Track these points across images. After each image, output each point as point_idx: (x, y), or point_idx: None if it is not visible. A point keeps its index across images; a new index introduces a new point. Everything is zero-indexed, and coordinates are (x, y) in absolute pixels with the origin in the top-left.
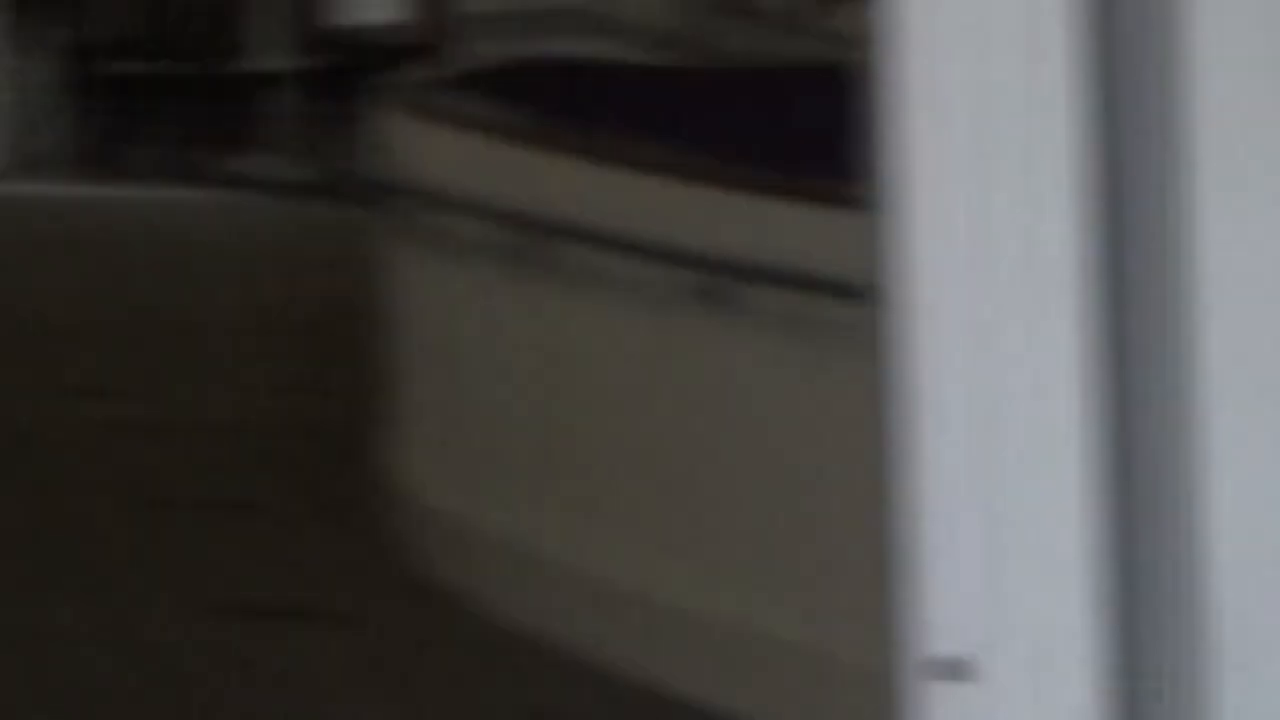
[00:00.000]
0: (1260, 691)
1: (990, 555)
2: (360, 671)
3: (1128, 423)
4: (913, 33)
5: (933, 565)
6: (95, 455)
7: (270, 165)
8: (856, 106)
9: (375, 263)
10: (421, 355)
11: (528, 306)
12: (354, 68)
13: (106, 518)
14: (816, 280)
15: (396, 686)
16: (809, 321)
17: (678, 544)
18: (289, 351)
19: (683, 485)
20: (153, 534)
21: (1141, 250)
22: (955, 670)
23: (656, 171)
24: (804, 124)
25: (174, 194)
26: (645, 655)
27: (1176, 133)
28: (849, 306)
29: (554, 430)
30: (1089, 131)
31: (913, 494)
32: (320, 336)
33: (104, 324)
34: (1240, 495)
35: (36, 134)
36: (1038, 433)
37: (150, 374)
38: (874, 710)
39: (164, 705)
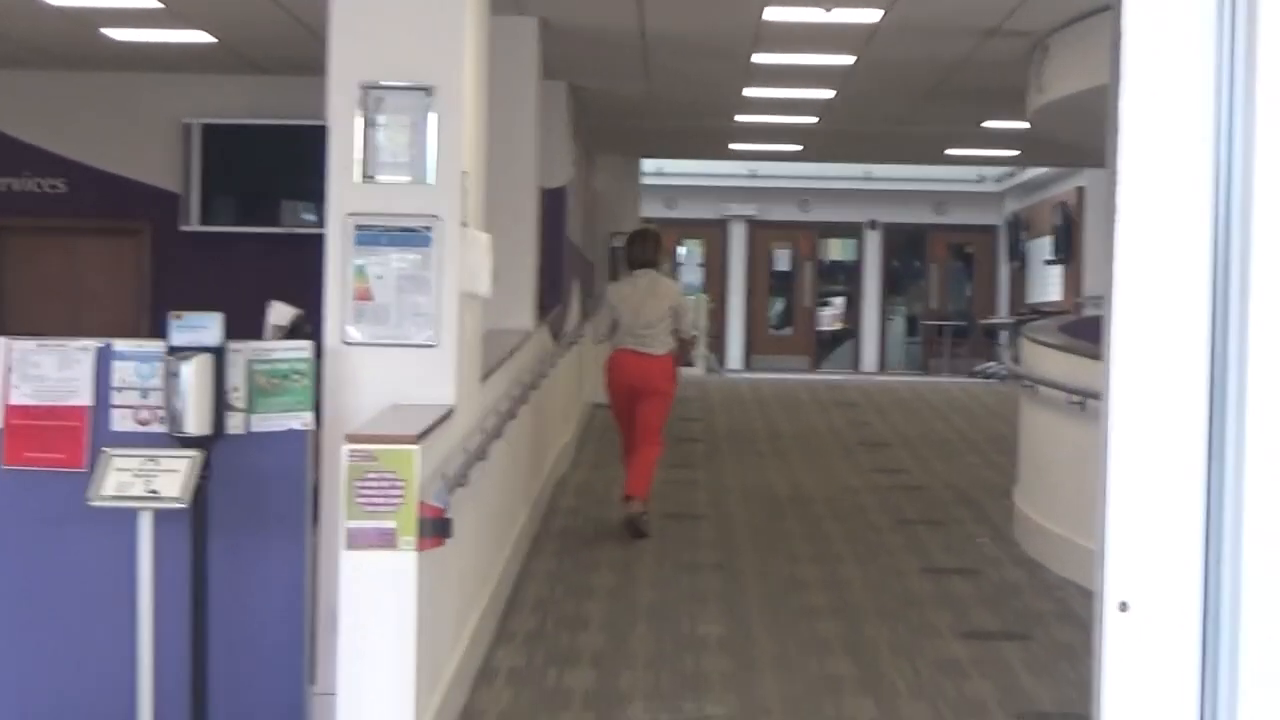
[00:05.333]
0: None
1: (1143, 541)
2: (982, 600)
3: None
4: None
5: (1115, 545)
6: (884, 500)
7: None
8: None
9: (1015, 413)
10: (1030, 456)
11: (1084, 433)
12: (1032, 319)
13: (886, 528)
14: None
15: (999, 608)
16: None
17: None
18: (974, 451)
19: None
20: (903, 535)
21: None
22: (1123, 606)
23: None
24: None
25: (950, 379)
26: None
27: None
28: None
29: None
30: None
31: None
32: (989, 446)
33: (906, 438)
34: None
35: (894, 350)
36: (1175, 471)
37: (918, 462)
38: None
39: (898, 622)
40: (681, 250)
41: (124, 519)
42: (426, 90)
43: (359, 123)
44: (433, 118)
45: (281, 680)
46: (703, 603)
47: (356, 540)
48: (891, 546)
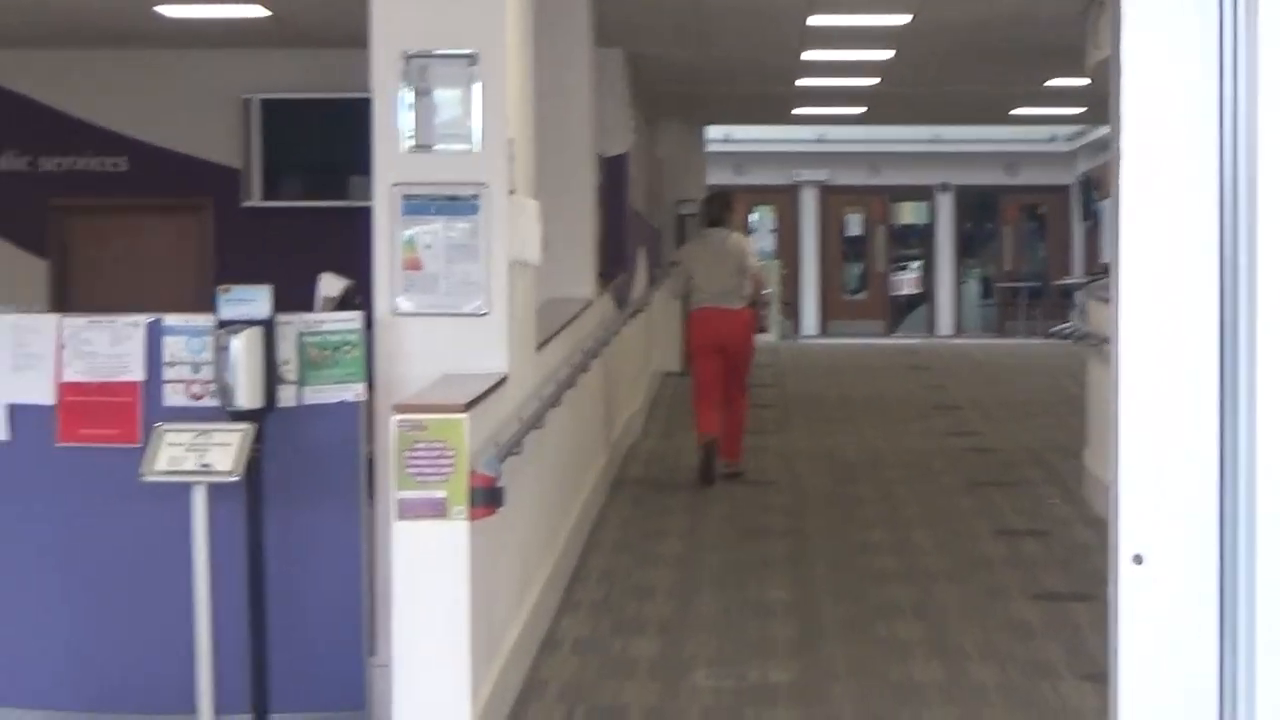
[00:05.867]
0: None
1: (1157, 494)
2: (1053, 561)
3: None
4: None
5: (1129, 499)
6: (956, 463)
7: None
8: None
9: (1081, 372)
10: (1099, 416)
11: None
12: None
13: (957, 491)
14: None
15: (1069, 569)
16: None
17: None
18: (1048, 412)
19: None
20: (974, 498)
21: None
22: (1138, 559)
23: None
24: None
25: (1026, 341)
26: None
27: None
28: None
29: None
30: None
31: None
32: (1063, 407)
33: (979, 401)
34: None
35: (969, 313)
36: (1187, 425)
37: (990, 424)
38: None
39: (968, 584)
40: (753, 217)
41: (178, 493)
42: (470, 58)
43: (403, 92)
44: (477, 85)
45: (340, 652)
46: (770, 568)
47: (407, 510)
48: (962, 509)
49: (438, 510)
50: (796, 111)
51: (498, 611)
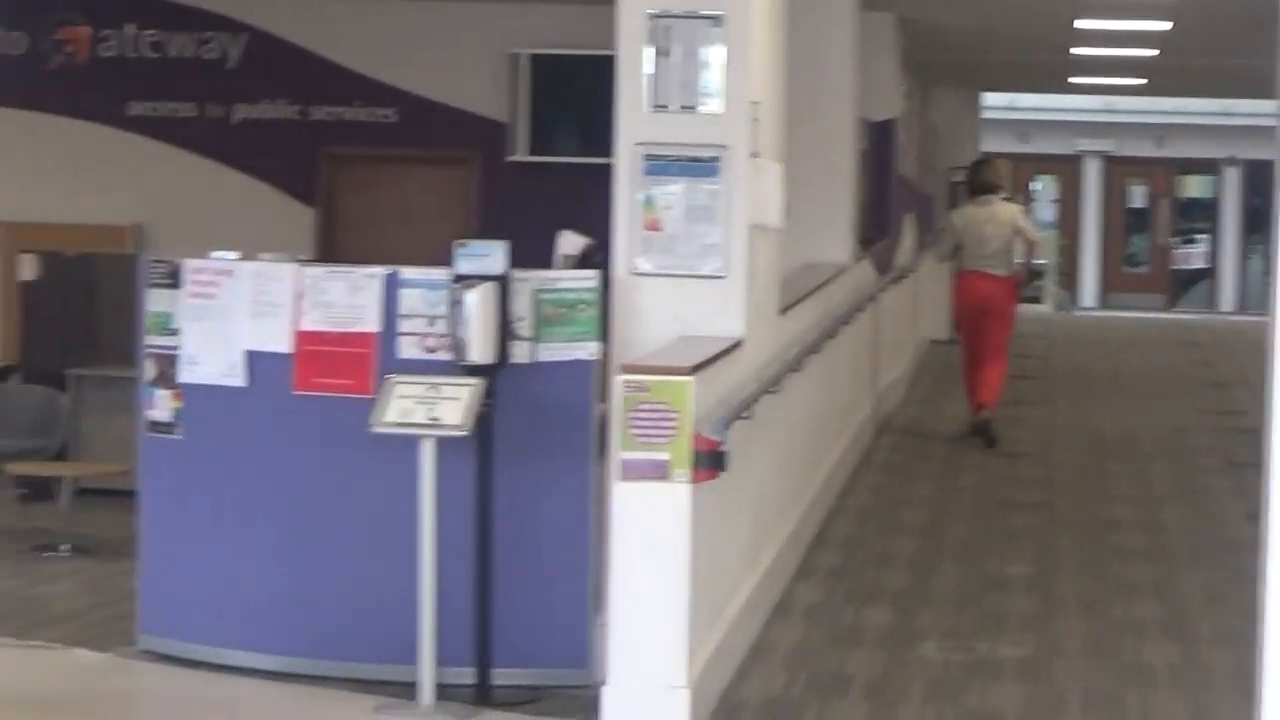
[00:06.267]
0: None
1: None
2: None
3: None
4: None
5: None
6: (1217, 443)
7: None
8: None
9: None
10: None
11: None
12: None
13: (1214, 470)
14: None
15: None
16: None
17: None
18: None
19: None
20: (1231, 478)
21: None
22: None
23: None
24: None
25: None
26: None
27: None
28: None
29: None
30: None
31: None
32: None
33: (1249, 380)
34: None
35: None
36: None
37: (1259, 404)
38: None
39: (1213, 567)
40: (1035, 186)
41: (410, 445)
42: (715, 19)
43: (648, 52)
44: (721, 47)
45: (565, 610)
46: (1014, 541)
47: (629, 471)
48: (1217, 489)
49: (660, 472)
50: (1074, 80)
51: (723, 575)
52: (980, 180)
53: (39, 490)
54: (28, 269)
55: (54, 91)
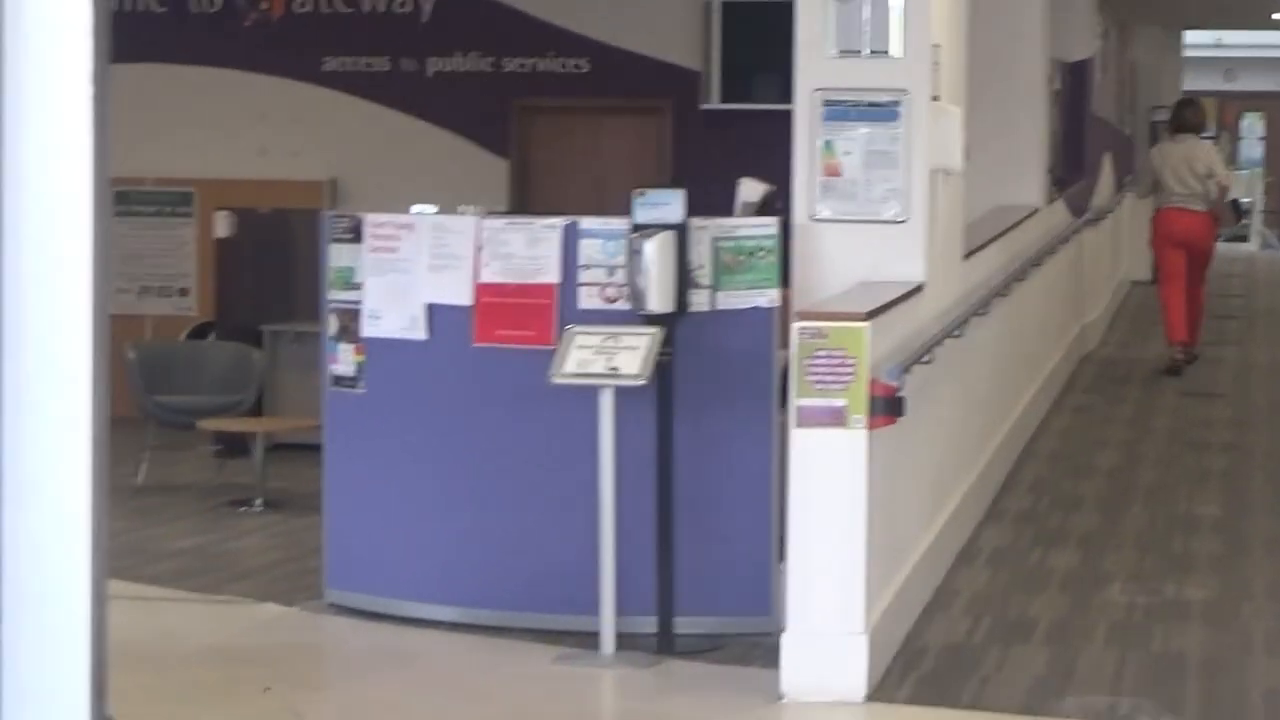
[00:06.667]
0: None
1: None
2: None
3: None
4: None
5: None
6: None
7: None
8: None
9: None
10: None
11: None
12: None
13: None
14: None
15: None
16: None
17: None
18: None
19: None
20: None
21: None
22: None
23: None
24: None
25: None
26: None
27: None
28: None
29: None
30: None
31: None
32: None
33: None
34: None
35: None
36: None
37: None
38: None
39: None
40: (1243, 124)
41: (591, 395)
42: None
43: None
44: None
45: (748, 558)
46: (1205, 482)
47: (806, 418)
48: None
49: (836, 418)
50: (1277, 16)
51: (903, 521)
52: (1182, 119)
53: (234, 446)
54: (222, 226)
55: (249, 48)
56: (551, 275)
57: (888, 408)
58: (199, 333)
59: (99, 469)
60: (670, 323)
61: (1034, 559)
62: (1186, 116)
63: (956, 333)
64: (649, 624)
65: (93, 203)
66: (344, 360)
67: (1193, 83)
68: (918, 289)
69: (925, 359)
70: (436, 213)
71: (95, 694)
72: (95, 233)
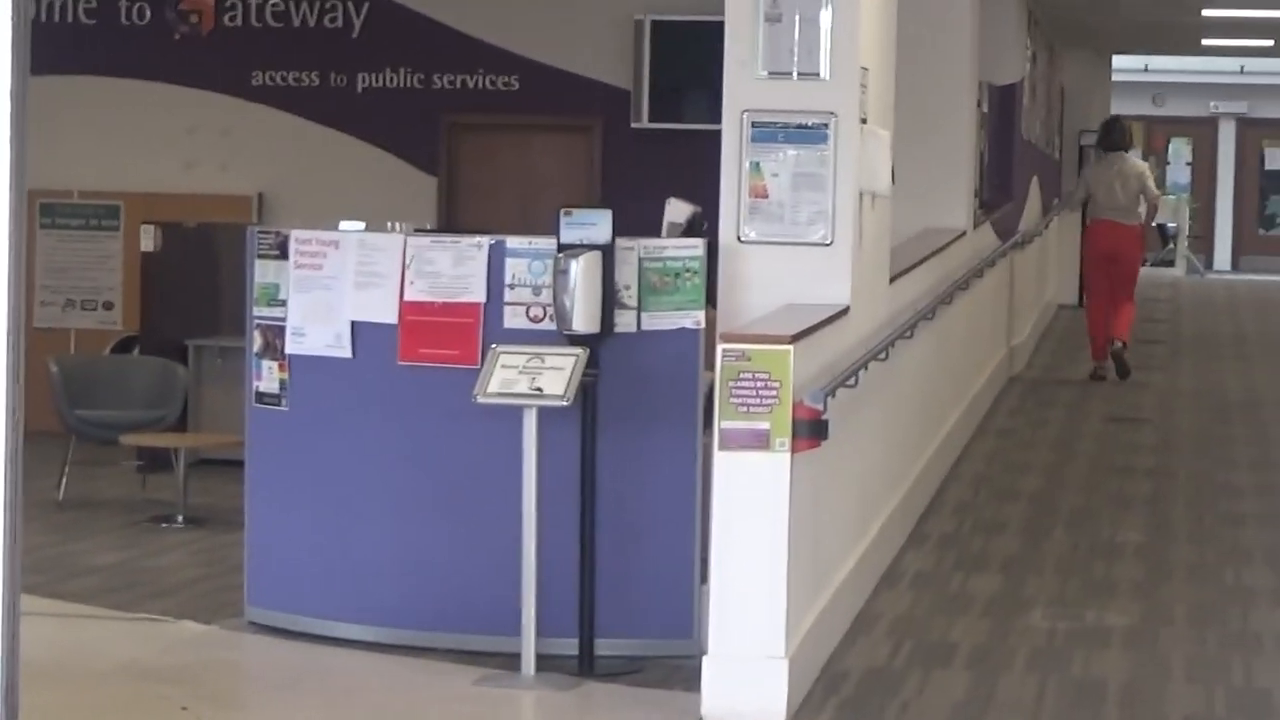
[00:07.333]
0: None
1: None
2: None
3: None
4: None
5: None
6: None
7: None
8: None
9: None
10: None
11: None
12: None
13: None
14: None
15: None
16: None
17: None
18: None
19: None
20: None
21: None
22: None
23: None
24: None
25: None
26: None
27: None
28: None
29: None
30: None
31: None
32: None
33: None
34: None
35: None
36: None
37: None
38: None
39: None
40: (1170, 149)
41: (516, 415)
42: None
43: (756, 18)
44: (828, 13)
45: (671, 580)
46: (1128, 508)
47: (730, 440)
48: None
49: (760, 441)
50: (1207, 42)
51: (826, 544)
52: (1110, 138)
53: (157, 461)
54: (148, 240)
55: (178, 62)
56: (477, 294)
57: (812, 431)
58: (123, 347)
59: (13, 483)
60: (595, 343)
61: (956, 583)
62: (1114, 135)
63: (882, 356)
64: (570, 645)
65: (9, 216)
66: (267, 377)
67: (1120, 107)
68: (843, 312)
69: (850, 382)
70: (364, 229)
71: (9, 711)
72: (11, 245)
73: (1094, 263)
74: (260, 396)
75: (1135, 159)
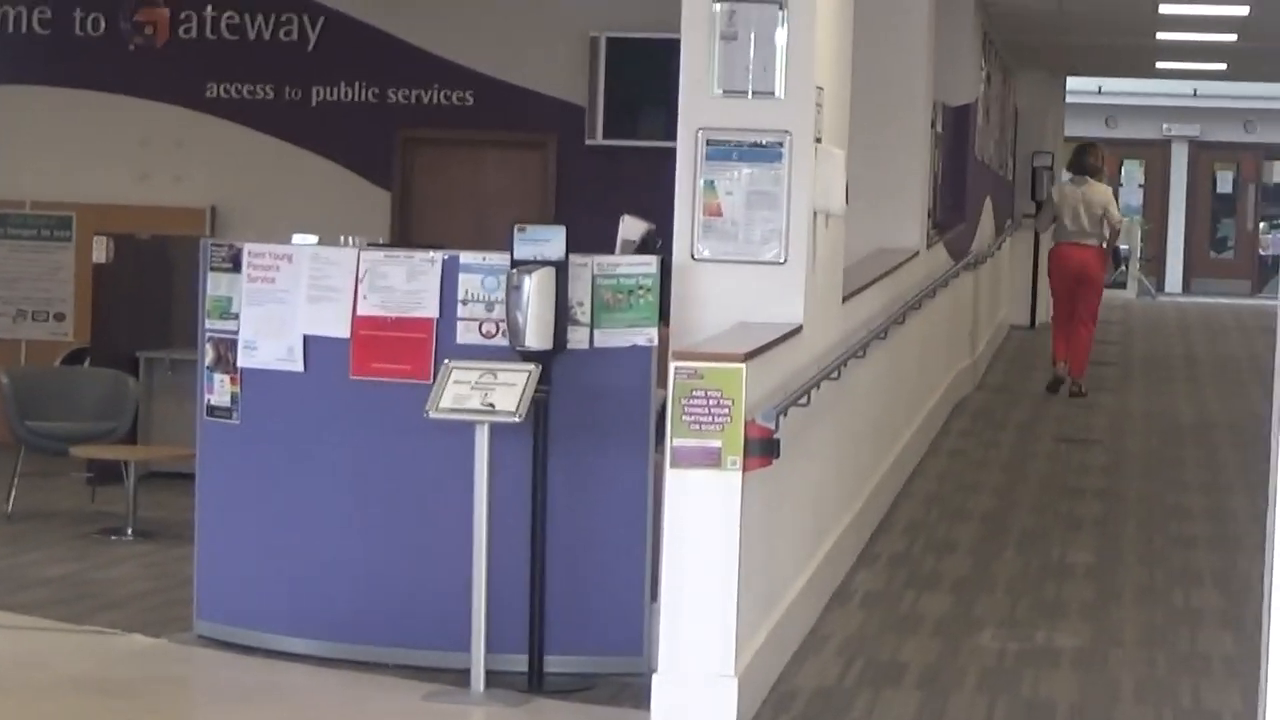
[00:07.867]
0: None
1: None
2: None
3: None
4: None
5: None
6: None
7: None
8: None
9: None
10: None
11: None
12: None
13: None
14: None
15: None
16: None
17: None
18: None
19: None
20: None
21: None
22: None
23: None
24: None
25: None
26: None
27: None
28: None
29: None
30: None
31: None
32: None
33: None
34: None
35: None
36: None
37: None
38: None
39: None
40: (1123, 171)
41: (467, 430)
42: (779, 3)
43: (711, 36)
44: (783, 32)
45: (621, 597)
46: (1078, 529)
47: (681, 458)
48: None
49: (712, 459)
50: (1161, 65)
51: (777, 563)
52: (1082, 163)
53: (107, 474)
54: (100, 251)
55: (132, 73)
56: (430, 309)
57: (763, 449)
58: (74, 358)
59: None
60: (548, 360)
61: (907, 602)
62: (1086, 160)
63: (834, 375)
64: (520, 662)
65: None
66: (219, 390)
67: (1074, 129)
68: (796, 330)
69: (802, 401)
70: (318, 243)
71: None
72: None
73: (1059, 283)
74: (212, 410)
75: (1102, 185)
